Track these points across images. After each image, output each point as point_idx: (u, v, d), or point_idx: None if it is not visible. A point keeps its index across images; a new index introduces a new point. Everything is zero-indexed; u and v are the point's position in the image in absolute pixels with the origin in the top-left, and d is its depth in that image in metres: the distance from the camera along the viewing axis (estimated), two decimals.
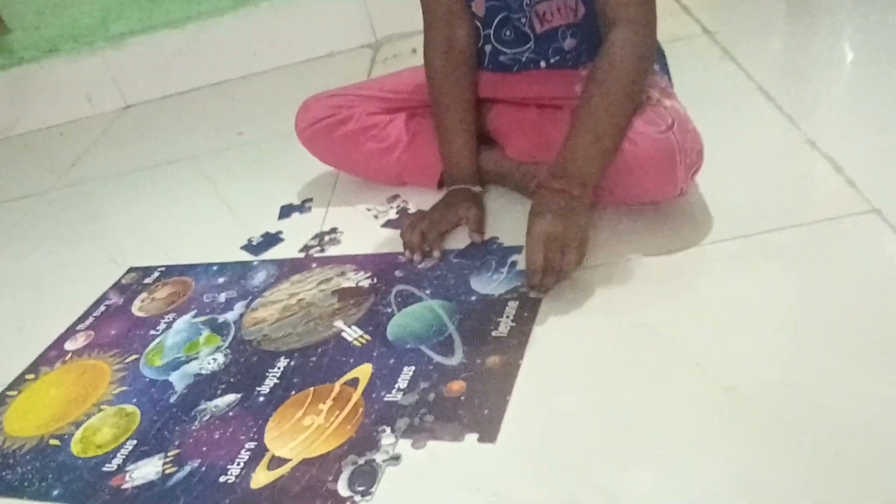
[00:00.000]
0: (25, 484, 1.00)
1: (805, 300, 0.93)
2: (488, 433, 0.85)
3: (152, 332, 1.21)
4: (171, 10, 2.23)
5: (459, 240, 1.20)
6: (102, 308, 1.32)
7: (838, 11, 1.67)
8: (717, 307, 0.94)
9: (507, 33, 1.22)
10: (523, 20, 1.19)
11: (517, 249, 1.12)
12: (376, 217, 1.33)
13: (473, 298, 1.06)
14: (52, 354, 1.24)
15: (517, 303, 1.02)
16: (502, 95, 1.27)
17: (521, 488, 0.79)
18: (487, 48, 1.25)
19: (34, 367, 1.22)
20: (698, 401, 0.82)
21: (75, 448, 1.03)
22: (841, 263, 0.95)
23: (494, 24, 1.23)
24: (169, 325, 1.21)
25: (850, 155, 1.14)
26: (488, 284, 1.08)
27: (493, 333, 0.98)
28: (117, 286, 1.37)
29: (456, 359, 0.96)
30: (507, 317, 1.00)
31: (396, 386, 0.95)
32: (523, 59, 1.24)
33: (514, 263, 1.10)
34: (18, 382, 1.19)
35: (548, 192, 1.04)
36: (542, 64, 1.23)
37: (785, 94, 1.36)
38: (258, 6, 2.22)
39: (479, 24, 1.24)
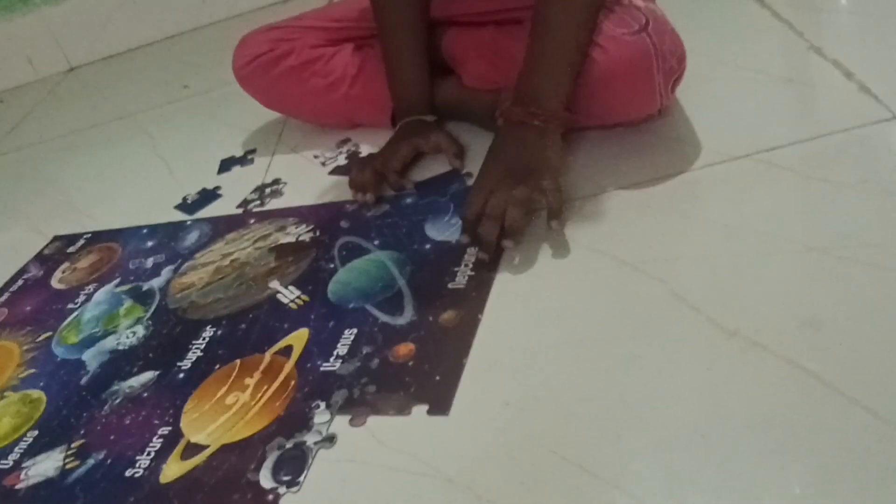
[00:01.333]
0: None
1: (820, 225, 0.76)
2: (440, 404, 0.70)
3: (70, 305, 1.06)
4: None
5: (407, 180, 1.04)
6: (20, 282, 1.16)
7: None
8: (713, 240, 0.79)
9: None
10: None
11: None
12: (324, 164, 1.17)
13: (427, 247, 0.90)
14: None
15: (476, 248, 0.86)
16: (456, 13, 1.10)
17: (481, 470, 0.63)
18: None
19: None
20: (697, 350, 0.67)
21: None
22: (860, 179, 0.79)
23: None
24: (89, 297, 1.06)
25: (860, 59, 0.98)
26: (445, 230, 0.92)
27: (450, 286, 0.83)
28: (38, 257, 1.21)
29: (405, 318, 0.81)
30: (466, 265, 0.85)
31: (335, 353, 0.80)
32: None
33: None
34: None
35: (509, 125, 0.88)
36: None
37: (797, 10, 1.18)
38: None
39: None
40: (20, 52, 2.17)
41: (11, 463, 0.82)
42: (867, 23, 1.09)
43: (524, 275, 0.82)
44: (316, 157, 1.19)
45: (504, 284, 0.81)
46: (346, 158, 1.16)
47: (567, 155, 0.94)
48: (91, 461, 0.78)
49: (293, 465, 0.69)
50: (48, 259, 1.20)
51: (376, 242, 0.94)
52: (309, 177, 1.15)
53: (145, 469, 0.75)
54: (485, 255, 0.83)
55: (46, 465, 0.80)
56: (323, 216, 1.04)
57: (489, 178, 0.86)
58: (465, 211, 0.86)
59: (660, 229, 0.82)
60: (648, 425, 0.62)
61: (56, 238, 1.25)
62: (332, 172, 1.14)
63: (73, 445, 0.81)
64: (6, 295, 1.14)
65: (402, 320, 0.81)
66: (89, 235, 1.22)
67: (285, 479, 0.68)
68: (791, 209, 0.80)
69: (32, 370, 0.96)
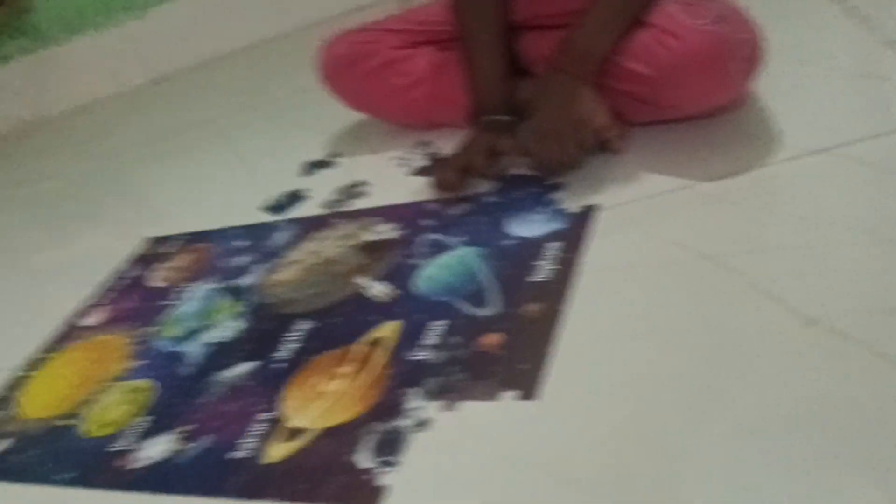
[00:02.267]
0: (37, 468, 0.92)
1: None
2: (528, 391, 0.73)
3: (169, 302, 1.12)
4: None
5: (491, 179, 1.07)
6: (121, 282, 1.24)
7: None
8: (793, 231, 0.80)
9: None
10: None
11: (557, 186, 1.00)
12: (405, 166, 1.21)
13: (510, 242, 0.94)
14: (70, 332, 1.16)
15: (558, 243, 0.89)
16: (534, 16, 1.13)
17: (569, 454, 0.66)
18: None
19: (52, 347, 1.14)
20: (775, 339, 0.69)
21: (87, 428, 0.94)
22: None
23: None
24: (186, 294, 1.12)
25: None
26: (526, 226, 0.95)
27: (533, 279, 0.86)
28: (136, 258, 1.29)
29: (490, 309, 0.85)
30: (548, 260, 0.88)
31: (425, 343, 0.84)
32: None
33: (553, 202, 0.97)
34: (36, 363, 1.12)
35: (549, 74, 1.00)
36: None
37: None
38: None
39: None
40: (105, 65, 2.28)
41: (126, 446, 0.89)
42: None
43: (606, 268, 0.85)
44: (396, 158, 1.24)
45: (586, 277, 0.84)
46: (426, 159, 1.20)
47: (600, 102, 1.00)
48: (199, 444, 0.84)
49: (390, 447, 0.73)
50: (145, 259, 1.27)
51: (460, 239, 0.98)
52: (390, 178, 1.20)
53: (249, 451, 0.80)
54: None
55: (158, 448, 0.86)
56: (406, 215, 1.08)
57: (549, 128, 0.97)
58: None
59: (739, 223, 0.84)
60: (733, 412, 0.65)
61: (151, 240, 1.33)
62: (413, 173, 1.18)
63: (180, 430, 0.87)
64: (109, 293, 1.22)
65: (488, 312, 0.84)
66: (183, 237, 1.29)
67: (383, 460, 0.73)
68: (868, 202, 0.81)
69: (140, 362, 1.02)
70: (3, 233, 1.66)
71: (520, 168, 1.07)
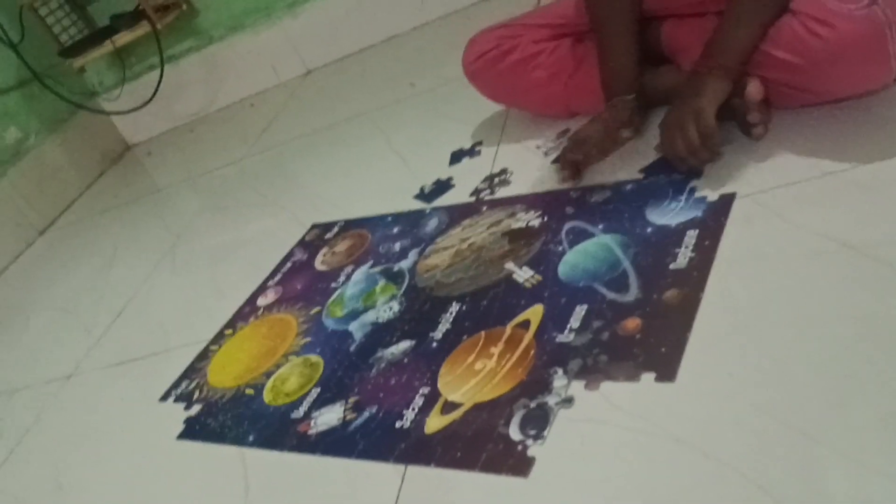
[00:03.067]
0: (226, 430, 1.06)
1: None
2: (667, 372, 0.78)
3: (333, 284, 1.24)
4: None
5: (631, 167, 1.11)
6: (289, 265, 1.37)
7: None
8: None
9: None
10: None
11: (697, 173, 1.02)
12: (546, 154, 1.27)
13: (649, 230, 0.98)
14: (247, 310, 1.30)
15: (697, 231, 0.93)
16: (674, 5, 1.16)
17: (707, 433, 0.71)
18: None
19: (232, 323, 1.29)
20: None
21: (267, 397, 1.08)
22: None
23: None
24: (348, 277, 1.24)
25: None
26: (665, 214, 0.99)
27: (671, 266, 0.90)
28: (301, 243, 1.42)
29: (631, 295, 0.90)
30: (686, 247, 0.92)
31: (568, 326, 0.90)
32: None
33: (692, 190, 1.01)
34: (219, 337, 1.27)
35: (697, 74, 1.03)
36: None
37: None
38: None
39: None
40: (265, 61, 2.46)
41: (302, 413, 1.01)
42: None
43: (744, 258, 0.87)
44: (538, 147, 1.30)
45: (725, 265, 0.87)
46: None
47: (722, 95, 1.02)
48: (366, 414, 0.94)
49: (537, 422, 0.81)
50: (309, 244, 1.40)
51: (601, 226, 1.03)
52: (533, 166, 1.26)
53: (411, 422, 0.89)
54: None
55: (330, 416, 0.97)
56: (549, 203, 1.14)
57: (672, 120, 1.02)
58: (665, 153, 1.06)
59: (884, 211, 0.85)
60: (874, 399, 0.67)
61: (314, 226, 1.45)
62: (555, 161, 1.23)
63: (349, 401, 0.98)
64: (279, 275, 1.35)
65: (628, 297, 0.89)
66: (342, 223, 1.41)
67: (531, 433, 0.80)
68: None
69: (309, 338, 1.15)
70: (186, 216, 1.86)
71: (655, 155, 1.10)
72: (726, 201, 0.96)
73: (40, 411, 1.37)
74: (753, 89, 1.00)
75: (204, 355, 1.25)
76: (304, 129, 2.01)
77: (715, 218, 0.94)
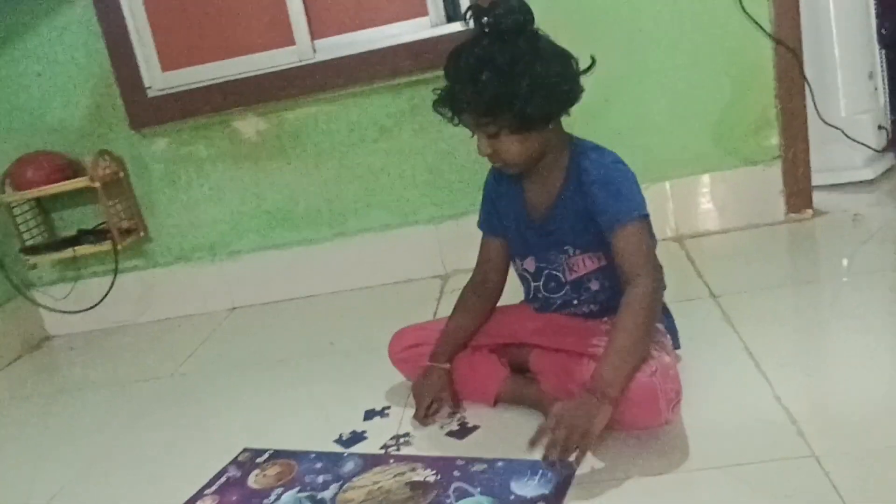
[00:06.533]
0: None
1: None
2: None
3: (265, 501, 1.59)
4: (283, 236, 2.78)
5: (514, 448, 1.58)
6: (224, 479, 1.70)
7: (838, 280, 2.09)
8: None
9: (551, 284, 1.69)
10: (558, 272, 1.66)
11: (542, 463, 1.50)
12: (441, 427, 1.72)
13: (511, 497, 1.42)
14: None
15: (544, 503, 1.38)
16: (539, 342, 1.72)
17: None
18: (540, 296, 1.72)
19: None
20: None
21: None
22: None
23: (542, 277, 1.70)
24: (278, 497, 1.59)
25: (808, 411, 1.51)
26: (524, 487, 1.44)
27: None
28: (235, 462, 1.76)
29: None
30: None
31: None
32: (560, 302, 1.71)
33: (544, 473, 1.47)
34: None
35: (590, 396, 1.43)
36: (575, 301, 1.69)
37: (767, 354, 1.75)
38: (352, 238, 2.75)
39: (529, 277, 1.73)
40: (198, 292, 2.86)
41: None
42: (825, 385, 1.63)
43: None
44: (435, 421, 1.75)
45: None
46: (458, 425, 1.71)
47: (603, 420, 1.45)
48: None
49: None
50: (242, 464, 1.74)
51: (478, 489, 1.47)
52: (430, 435, 1.70)
53: None
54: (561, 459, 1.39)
55: None
56: (442, 465, 1.57)
57: (567, 420, 1.40)
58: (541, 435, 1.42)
59: None
60: None
61: (245, 450, 1.80)
62: (447, 435, 1.68)
63: None
64: (215, 486, 1.68)
65: None
66: (272, 451, 1.77)
67: None
68: None
69: None
70: (114, 417, 2.13)
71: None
72: (567, 480, 1.43)
73: None
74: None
75: None
76: (228, 362, 2.39)
77: (558, 492, 1.40)
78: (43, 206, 2.83)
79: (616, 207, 1.54)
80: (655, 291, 1.53)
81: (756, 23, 2.44)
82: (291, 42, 2.58)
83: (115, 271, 2.72)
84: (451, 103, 1.55)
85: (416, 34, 2.50)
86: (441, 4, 2.52)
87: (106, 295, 2.73)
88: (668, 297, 1.69)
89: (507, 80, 1.45)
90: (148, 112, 2.65)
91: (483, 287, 1.80)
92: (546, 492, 1.42)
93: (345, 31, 2.57)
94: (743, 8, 2.43)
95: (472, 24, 1.52)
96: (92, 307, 2.75)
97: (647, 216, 1.57)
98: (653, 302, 1.51)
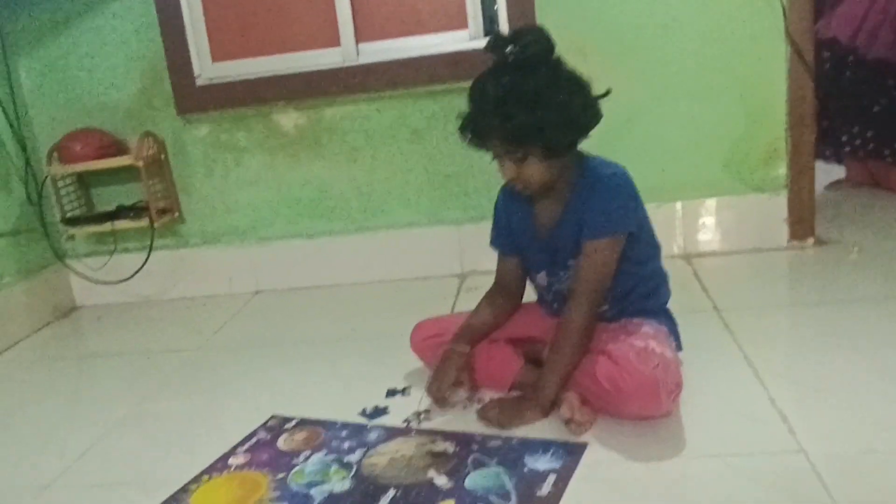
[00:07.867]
0: None
1: None
2: None
3: (294, 461, 1.72)
4: (310, 226, 2.92)
5: (528, 428, 1.72)
6: (254, 440, 1.84)
7: (837, 304, 2.24)
8: None
9: (560, 298, 1.83)
10: (564, 287, 1.81)
11: (555, 443, 1.64)
12: (465, 408, 1.85)
13: (525, 470, 1.56)
14: (219, 465, 1.74)
15: (554, 476, 1.52)
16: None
17: None
18: (555, 307, 1.86)
19: (208, 471, 1.72)
20: None
21: None
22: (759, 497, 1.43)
23: (551, 293, 1.85)
24: (307, 458, 1.72)
25: (800, 415, 1.65)
26: (537, 461, 1.58)
27: (538, 493, 1.48)
28: (265, 426, 1.89)
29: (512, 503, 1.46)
30: (548, 483, 1.50)
31: None
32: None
33: (556, 451, 1.61)
34: (196, 480, 1.70)
35: (524, 401, 1.73)
36: None
37: (765, 363, 1.89)
38: (376, 232, 2.89)
39: (542, 291, 1.89)
40: (224, 273, 3.00)
41: None
42: (819, 390, 1.78)
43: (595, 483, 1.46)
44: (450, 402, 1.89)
45: (574, 496, 1.46)
46: (476, 403, 1.84)
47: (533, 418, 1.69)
48: None
49: None
50: (272, 428, 1.88)
51: (494, 461, 1.60)
52: (449, 411, 1.84)
53: None
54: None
55: None
56: (461, 439, 1.71)
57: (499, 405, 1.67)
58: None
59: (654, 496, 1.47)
60: None
61: (273, 416, 1.94)
62: (465, 412, 1.82)
63: None
64: (247, 445, 1.81)
65: None
66: (299, 420, 1.90)
67: None
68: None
69: (278, 493, 1.61)
70: (148, 382, 2.27)
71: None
72: (579, 452, 1.57)
73: None
74: (564, 407, 1.64)
75: (186, 489, 1.66)
76: (254, 339, 2.52)
77: (567, 468, 1.53)
78: (84, 181, 2.97)
79: (594, 220, 1.68)
80: (588, 325, 1.71)
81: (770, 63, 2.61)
82: (337, 43, 2.74)
83: (150, 248, 2.85)
84: (476, 130, 1.65)
85: (455, 45, 2.67)
86: (480, 19, 2.68)
87: (140, 269, 2.87)
88: (674, 308, 1.85)
89: (534, 110, 1.55)
90: (194, 99, 2.80)
91: (505, 291, 1.93)
92: (557, 466, 1.56)
93: (388, 37, 2.73)
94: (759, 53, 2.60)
95: (493, 52, 1.60)
96: (127, 279, 2.88)
97: (623, 234, 1.69)
98: (585, 332, 1.70)
